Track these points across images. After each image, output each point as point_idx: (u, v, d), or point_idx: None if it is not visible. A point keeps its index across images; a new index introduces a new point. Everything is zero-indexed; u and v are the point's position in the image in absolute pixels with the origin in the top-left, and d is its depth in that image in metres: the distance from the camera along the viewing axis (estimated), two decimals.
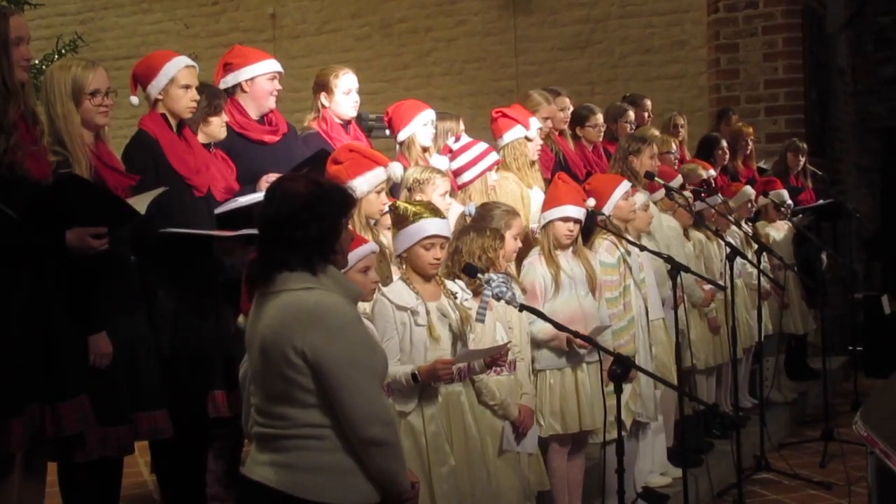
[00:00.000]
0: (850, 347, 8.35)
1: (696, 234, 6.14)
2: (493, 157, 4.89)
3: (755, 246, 6.18)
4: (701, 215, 6.05)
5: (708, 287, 5.70)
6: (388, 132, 5.41)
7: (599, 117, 6.63)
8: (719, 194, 6.39)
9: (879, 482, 2.96)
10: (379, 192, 4.01)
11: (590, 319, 4.46)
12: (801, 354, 8.12)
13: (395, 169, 4.15)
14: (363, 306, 3.50)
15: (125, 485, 4.14)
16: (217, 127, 4.47)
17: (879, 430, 2.95)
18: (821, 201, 8.08)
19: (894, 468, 2.73)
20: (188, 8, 11.61)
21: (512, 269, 4.49)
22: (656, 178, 5.50)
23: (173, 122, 4.20)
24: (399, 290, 3.68)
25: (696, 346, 5.69)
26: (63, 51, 7.82)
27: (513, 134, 5.24)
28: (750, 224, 7.04)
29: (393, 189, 4.56)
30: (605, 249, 4.88)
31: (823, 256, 7.69)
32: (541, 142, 5.43)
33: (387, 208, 3.97)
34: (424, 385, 3.57)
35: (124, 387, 3.76)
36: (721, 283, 5.55)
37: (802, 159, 8.12)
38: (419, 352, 3.62)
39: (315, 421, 2.71)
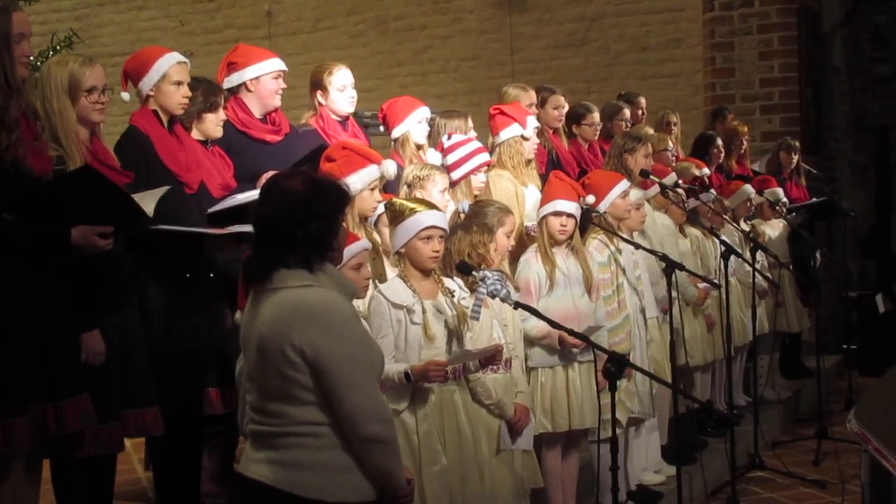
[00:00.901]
0: (845, 346, 8.36)
1: (693, 231, 6.14)
2: (482, 158, 4.83)
3: (750, 244, 6.19)
4: (696, 213, 6.06)
5: (702, 285, 5.71)
6: (382, 128, 5.40)
7: (596, 116, 6.64)
8: (713, 191, 6.39)
9: (873, 480, 2.97)
10: (372, 190, 4.01)
11: (584, 319, 4.45)
12: (796, 353, 8.14)
13: (389, 167, 4.14)
14: (357, 303, 3.50)
15: (119, 482, 4.13)
16: (212, 124, 4.45)
17: (872, 427, 2.96)
18: (814, 199, 8.09)
19: (887, 466, 2.73)
20: (183, 4, 11.59)
21: (506, 266, 4.49)
22: (650, 176, 5.50)
23: (165, 119, 4.18)
24: (396, 288, 3.68)
25: (689, 344, 5.69)
26: (58, 47, 7.79)
27: (509, 132, 5.22)
28: (748, 223, 7.05)
29: (390, 186, 4.56)
30: (594, 248, 4.88)
31: (817, 255, 7.70)
32: (537, 140, 5.43)
33: (382, 206, 3.97)
34: (417, 385, 3.57)
35: (116, 384, 3.75)
36: (716, 281, 5.56)
37: (795, 157, 8.13)
38: (413, 350, 3.61)
39: (312, 419, 2.71)
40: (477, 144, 4.90)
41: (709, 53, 9.15)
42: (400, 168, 4.70)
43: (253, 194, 4.19)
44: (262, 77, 4.70)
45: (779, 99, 8.92)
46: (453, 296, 3.77)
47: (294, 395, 2.70)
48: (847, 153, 10.42)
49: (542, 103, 6.16)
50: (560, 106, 6.29)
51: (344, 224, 2.93)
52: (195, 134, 4.43)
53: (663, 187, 5.58)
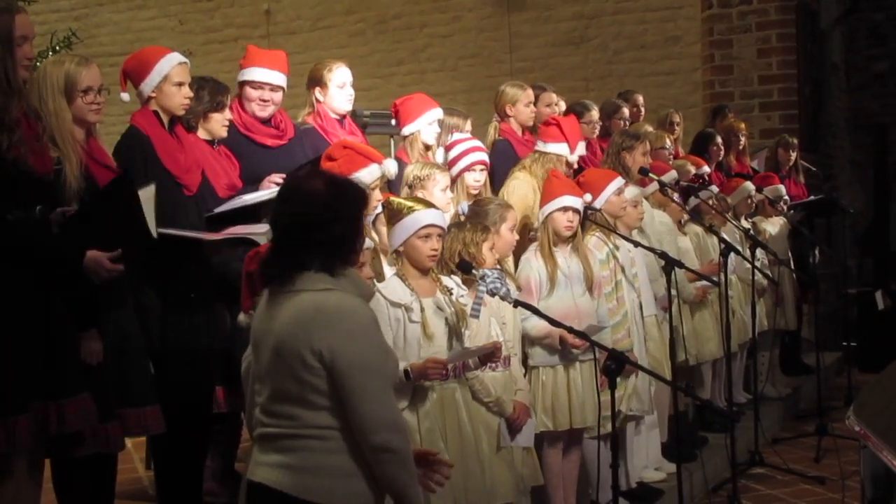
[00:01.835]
0: (844, 343, 8.36)
1: (694, 227, 6.14)
2: (476, 156, 4.78)
3: (750, 242, 6.19)
4: (697, 210, 6.06)
5: (700, 283, 5.71)
6: (393, 122, 5.35)
7: (595, 113, 6.62)
8: (713, 187, 6.39)
9: (872, 476, 2.98)
10: (374, 189, 4.01)
11: (584, 318, 4.44)
12: (795, 350, 8.15)
13: (390, 166, 4.14)
14: None
15: (120, 481, 4.13)
16: (218, 124, 4.45)
17: (872, 424, 2.96)
18: (812, 197, 8.10)
19: (887, 462, 2.74)
20: (182, 4, 11.58)
21: (509, 264, 4.49)
22: (650, 174, 5.50)
23: (165, 120, 4.18)
24: (394, 287, 3.68)
25: (688, 341, 5.70)
26: (57, 47, 7.80)
27: (556, 148, 5.07)
28: (749, 220, 7.05)
29: (391, 186, 4.56)
30: (593, 245, 4.88)
31: (816, 252, 7.70)
32: (574, 167, 5.26)
33: (380, 205, 3.97)
34: (416, 383, 3.57)
35: (114, 383, 3.74)
36: (715, 278, 5.56)
37: (793, 155, 8.13)
38: (412, 349, 3.61)
39: (323, 423, 2.67)
40: (473, 143, 4.86)
41: (707, 51, 9.16)
42: (405, 166, 4.67)
43: (260, 195, 4.20)
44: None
45: (777, 96, 8.93)
46: (451, 294, 3.78)
47: (308, 399, 2.66)
48: (845, 150, 10.41)
49: (533, 101, 6.13)
50: (552, 103, 6.26)
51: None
52: (201, 133, 4.43)
53: (662, 185, 5.58)
